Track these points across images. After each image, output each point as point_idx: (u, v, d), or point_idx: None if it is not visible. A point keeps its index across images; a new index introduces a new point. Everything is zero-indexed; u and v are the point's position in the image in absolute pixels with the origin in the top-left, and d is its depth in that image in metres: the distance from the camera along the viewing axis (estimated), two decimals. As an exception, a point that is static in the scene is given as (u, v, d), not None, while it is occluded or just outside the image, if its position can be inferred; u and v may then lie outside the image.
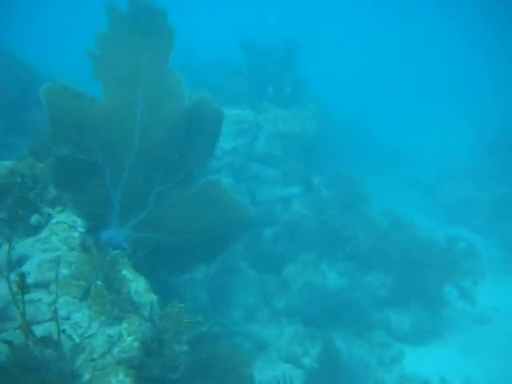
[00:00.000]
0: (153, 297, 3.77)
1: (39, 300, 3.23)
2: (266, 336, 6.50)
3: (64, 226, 3.78)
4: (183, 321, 3.38)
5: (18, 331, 2.64)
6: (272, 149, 10.12)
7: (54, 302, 3.09)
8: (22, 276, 2.49)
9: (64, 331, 2.99)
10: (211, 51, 14.26)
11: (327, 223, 7.65)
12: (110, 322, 3.22)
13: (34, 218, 3.74)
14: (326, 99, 14.45)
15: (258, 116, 10.64)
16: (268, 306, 7.09)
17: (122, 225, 4.16)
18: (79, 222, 3.91)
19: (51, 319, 2.99)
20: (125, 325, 3.25)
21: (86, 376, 2.85)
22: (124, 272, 3.76)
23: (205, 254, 4.71)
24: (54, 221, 3.84)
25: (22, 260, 3.48)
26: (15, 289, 2.58)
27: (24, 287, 2.48)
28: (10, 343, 2.49)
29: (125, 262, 3.87)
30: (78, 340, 3.00)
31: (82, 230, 3.85)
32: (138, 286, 3.76)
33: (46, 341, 2.73)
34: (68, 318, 3.20)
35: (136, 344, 3.13)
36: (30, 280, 3.31)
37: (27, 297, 2.74)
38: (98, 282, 3.28)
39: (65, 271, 3.46)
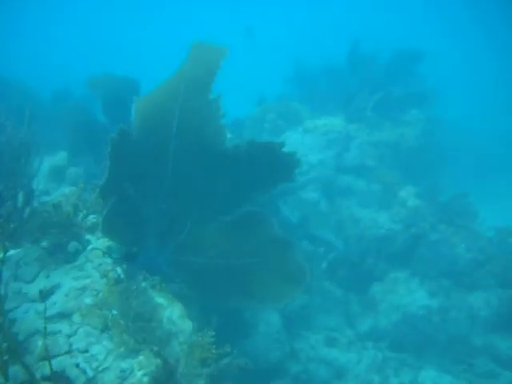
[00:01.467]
0: (188, 324, 3.75)
1: (59, 332, 3.24)
2: (345, 362, 6.14)
3: (98, 253, 3.95)
4: (210, 352, 3.29)
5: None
6: (364, 159, 9.71)
7: (73, 333, 3.17)
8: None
9: (78, 365, 3.01)
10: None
11: (418, 237, 7.06)
12: (126, 354, 3.20)
13: (72, 246, 3.93)
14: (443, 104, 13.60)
15: (351, 125, 10.32)
16: (352, 329, 6.72)
17: (160, 248, 4.27)
18: (114, 247, 4.06)
19: (67, 352, 3.06)
20: (141, 357, 3.20)
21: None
22: (158, 299, 3.81)
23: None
24: (90, 247, 4.03)
25: (54, 288, 3.66)
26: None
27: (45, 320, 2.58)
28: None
29: (161, 287, 3.93)
30: (91, 374, 3.00)
31: (116, 256, 4.00)
32: (172, 313, 3.77)
33: (57, 376, 2.81)
34: (85, 351, 3.17)
35: (146, 379, 3.06)
36: (54, 310, 3.40)
37: (49, 327, 2.88)
38: (114, 312, 3.32)
39: (88, 300, 3.47)
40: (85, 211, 4.25)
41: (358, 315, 6.79)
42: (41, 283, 3.66)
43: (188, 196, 4.23)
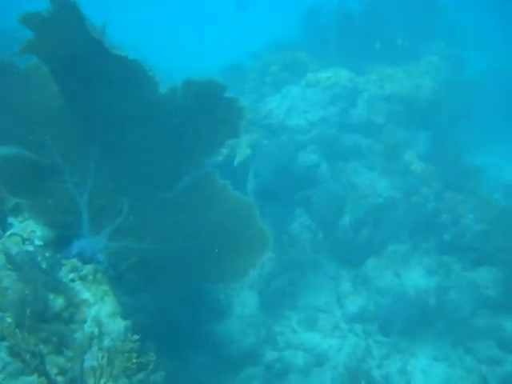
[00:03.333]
0: (118, 324, 3.39)
1: None
2: (326, 348, 5.75)
3: (17, 239, 3.57)
4: (130, 361, 2.91)
5: None
6: (373, 115, 9.00)
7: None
8: None
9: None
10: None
11: (419, 206, 6.48)
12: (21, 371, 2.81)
13: (-17, 232, 3.53)
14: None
15: (358, 78, 9.53)
16: (342, 309, 6.32)
17: (95, 234, 3.87)
18: (39, 233, 3.67)
19: None
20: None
21: None
22: (85, 293, 3.46)
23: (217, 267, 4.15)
24: (8, 233, 3.65)
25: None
26: None
27: None
28: None
29: (94, 279, 3.58)
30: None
31: (39, 242, 3.63)
32: (100, 310, 3.42)
33: None
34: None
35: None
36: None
37: None
38: (8, 320, 2.92)
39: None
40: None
41: (349, 294, 6.36)
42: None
43: (122, 168, 3.76)
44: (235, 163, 7.47)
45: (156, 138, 3.66)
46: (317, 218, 7.06)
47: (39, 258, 3.49)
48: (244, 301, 5.60)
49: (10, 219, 3.77)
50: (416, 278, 6.07)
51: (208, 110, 3.62)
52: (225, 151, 7.60)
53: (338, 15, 10.96)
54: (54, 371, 2.87)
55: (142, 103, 3.52)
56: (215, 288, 5.46)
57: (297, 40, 12.96)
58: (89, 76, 3.42)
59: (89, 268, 3.65)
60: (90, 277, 3.63)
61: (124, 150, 3.66)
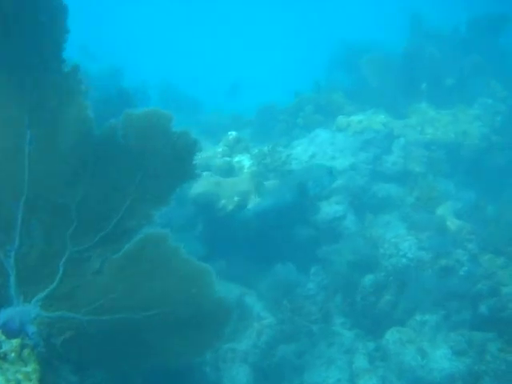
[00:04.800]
0: None
1: None
2: None
3: None
4: None
5: None
6: (409, 163, 8.43)
7: None
8: None
9: None
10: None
11: (450, 270, 5.80)
12: None
13: None
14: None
15: (395, 121, 9.04)
16: (353, 391, 5.65)
17: (25, 301, 3.50)
18: None
19: None
20: None
21: None
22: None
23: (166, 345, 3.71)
24: None
25: None
26: None
27: None
28: None
29: (19, 357, 3.20)
30: None
31: None
32: None
33: None
34: None
35: None
36: None
37: None
38: None
39: None
40: None
41: (364, 372, 5.67)
42: None
43: (54, 224, 3.43)
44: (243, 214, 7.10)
45: (93, 188, 3.33)
46: (335, 277, 6.47)
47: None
48: (235, 377, 5.07)
49: None
50: (441, 359, 5.31)
51: (154, 148, 3.27)
52: (235, 199, 7.30)
53: (379, 54, 10.53)
54: None
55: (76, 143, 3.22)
56: (201, 360, 4.99)
57: (338, 80, 12.68)
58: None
59: (13, 343, 3.25)
60: (13, 354, 3.22)
61: (52, 202, 3.34)
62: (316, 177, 7.15)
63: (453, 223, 6.47)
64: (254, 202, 7.26)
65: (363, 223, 7.81)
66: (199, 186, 7.40)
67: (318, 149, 8.84)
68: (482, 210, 6.61)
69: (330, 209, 7.85)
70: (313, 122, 10.25)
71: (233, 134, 8.06)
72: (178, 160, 3.35)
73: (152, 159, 3.33)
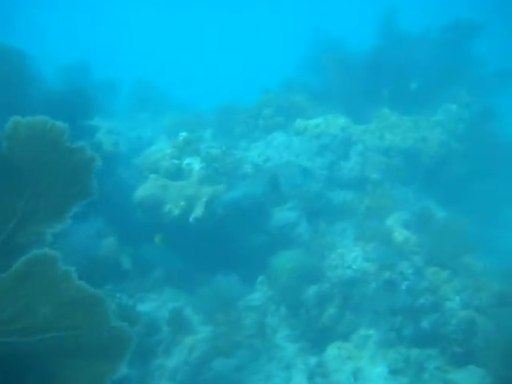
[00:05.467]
0: None
1: None
2: None
3: None
4: None
5: None
6: (367, 170, 8.32)
7: None
8: None
9: None
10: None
11: (393, 283, 5.70)
12: None
13: None
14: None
15: (355, 126, 8.93)
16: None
17: None
18: None
19: None
20: None
21: None
22: None
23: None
24: None
25: None
26: None
27: None
28: None
29: None
30: None
31: None
32: None
33: None
34: None
35: None
36: None
37: None
38: None
39: None
40: None
41: (301, 390, 5.54)
42: None
43: None
44: (191, 219, 6.92)
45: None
46: (280, 288, 6.34)
47: None
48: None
49: None
50: (378, 378, 5.20)
51: (45, 163, 3.07)
52: (182, 204, 7.11)
53: (343, 55, 10.41)
54: None
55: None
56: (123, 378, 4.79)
57: (306, 80, 12.52)
58: None
59: None
60: None
61: None
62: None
63: (401, 234, 6.39)
64: (203, 207, 7.08)
65: (317, 231, 7.69)
66: (144, 190, 7.22)
67: (275, 152, 8.70)
68: (431, 221, 6.50)
69: (282, 215, 7.73)
70: (274, 125, 10.11)
71: (183, 134, 7.86)
72: (73, 176, 3.15)
73: (43, 175, 3.12)
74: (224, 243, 7.20)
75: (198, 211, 6.95)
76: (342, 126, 8.63)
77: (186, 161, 7.71)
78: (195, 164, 7.66)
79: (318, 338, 6.15)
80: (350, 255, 6.13)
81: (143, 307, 6.49)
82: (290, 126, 9.70)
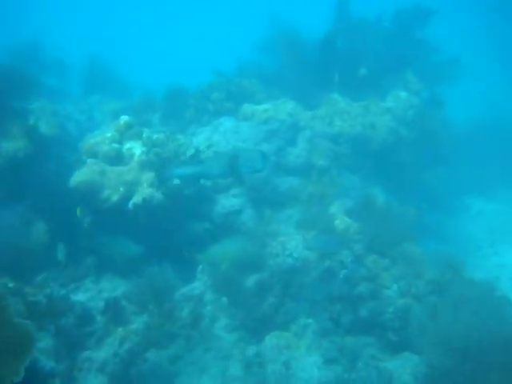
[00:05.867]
0: None
1: None
2: None
3: None
4: None
5: None
6: (314, 157, 8.27)
7: None
8: None
9: None
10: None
11: (332, 271, 5.67)
12: None
13: None
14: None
15: (303, 112, 8.85)
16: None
17: None
18: None
19: None
20: None
21: None
22: None
23: None
24: None
25: None
26: None
27: None
28: None
29: None
30: None
31: None
32: None
33: None
34: None
35: None
36: None
37: None
38: None
39: None
40: None
41: (236, 381, 5.47)
42: None
43: None
44: (130, 205, 6.72)
45: None
46: (220, 277, 6.24)
47: None
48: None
49: None
50: (311, 367, 5.18)
51: None
52: (121, 189, 6.91)
53: (291, 40, 10.29)
54: None
55: None
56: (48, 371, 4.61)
57: (259, 64, 12.34)
58: None
59: None
60: None
61: None
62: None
63: (343, 221, 6.37)
64: (143, 193, 6.88)
65: (262, 218, 7.61)
66: (80, 175, 6.96)
67: (221, 138, 8.56)
68: (373, 209, 6.50)
69: (226, 202, 7.61)
70: (223, 109, 9.94)
71: (124, 118, 7.60)
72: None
73: None
74: (165, 231, 7.04)
75: (138, 197, 6.74)
76: (289, 112, 8.55)
77: (127, 145, 7.48)
78: (136, 149, 7.43)
79: (257, 328, 6.09)
80: (291, 243, 6.08)
81: (78, 297, 6.31)
82: (240, 110, 9.55)
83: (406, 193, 9.48)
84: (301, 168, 8.18)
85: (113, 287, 6.55)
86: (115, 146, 7.34)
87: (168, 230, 7.07)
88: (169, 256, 6.87)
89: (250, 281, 6.04)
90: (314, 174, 8.05)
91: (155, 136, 7.43)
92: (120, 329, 5.24)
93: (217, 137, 8.48)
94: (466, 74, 13.45)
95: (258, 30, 14.30)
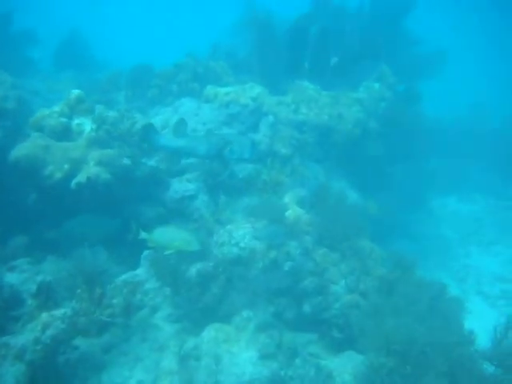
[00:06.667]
0: None
1: None
2: None
3: None
4: None
5: None
6: (276, 144, 8.05)
7: None
8: None
9: None
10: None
11: (278, 264, 5.48)
12: None
13: None
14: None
15: (269, 97, 8.62)
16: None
17: None
18: None
19: None
20: None
21: None
22: None
23: None
24: None
25: None
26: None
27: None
28: None
29: None
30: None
31: None
32: None
33: None
34: None
35: None
36: None
37: None
38: None
39: None
40: None
41: (168, 374, 5.26)
42: None
43: None
44: (73, 184, 6.44)
45: None
46: (162, 265, 6.00)
47: None
48: (2, 377, 4.48)
49: None
50: (244, 363, 4.98)
51: None
52: (65, 167, 6.62)
53: (264, 25, 10.02)
54: None
55: None
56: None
57: (234, 49, 12.11)
58: None
59: None
60: None
61: None
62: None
63: (294, 212, 6.17)
64: (89, 172, 6.60)
65: (217, 205, 7.40)
66: (22, 149, 6.65)
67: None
68: (327, 200, 6.30)
69: (180, 186, 7.38)
70: (188, 90, 9.69)
71: (75, 92, 7.30)
72: None
73: None
74: (110, 214, 6.79)
75: (83, 176, 6.46)
76: (253, 96, 8.31)
77: (77, 121, 7.19)
78: (87, 125, 7.15)
79: (199, 319, 5.88)
80: (239, 232, 5.86)
81: (11, 278, 6.05)
82: (203, 92, 9.32)
83: (374, 188, 9.36)
84: (262, 155, 7.94)
85: (52, 270, 6.28)
86: (63, 120, 7.05)
87: (115, 213, 6.80)
88: (116, 240, 6.66)
89: (193, 270, 5.80)
90: (276, 162, 7.81)
91: (110, 113, 7.16)
92: (44, 314, 4.96)
93: (176, 118, 8.20)
94: (452, 69, 13.41)
95: (233, 13, 14.10)
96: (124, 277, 6.23)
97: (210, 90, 8.49)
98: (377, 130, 9.10)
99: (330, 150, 8.53)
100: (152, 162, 7.34)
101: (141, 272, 6.36)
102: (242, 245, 5.77)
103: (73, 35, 15.80)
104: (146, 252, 6.46)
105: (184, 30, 28.99)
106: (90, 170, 6.53)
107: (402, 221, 12.19)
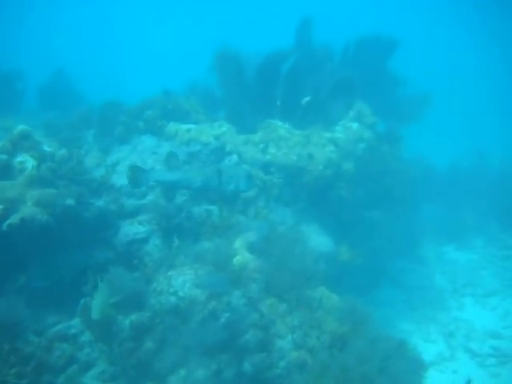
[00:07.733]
0: None
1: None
2: None
3: None
4: None
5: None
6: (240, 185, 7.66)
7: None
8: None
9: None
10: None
11: (215, 316, 5.02)
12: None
13: None
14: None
15: (235, 136, 8.33)
16: None
17: None
18: None
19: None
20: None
21: None
22: None
23: None
24: None
25: None
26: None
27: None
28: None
29: None
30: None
31: None
32: None
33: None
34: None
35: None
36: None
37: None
38: None
39: None
40: None
41: None
42: None
43: None
44: (4, 226, 6.06)
45: None
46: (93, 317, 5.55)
47: None
48: None
49: None
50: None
51: None
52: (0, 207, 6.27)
53: (236, 63, 9.84)
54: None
55: None
56: None
57: (210, 86, 11.94)
58: None
59: None
60: None
61: None
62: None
63: (243, 257, 5.75)
64: (24, 212, 6.24)
65: (170, 249, 6.99)
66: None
67: (139, 158, 8.00)
68: (277, 245, 5.88)
69: (130, 229, 7.00)
70: (156, 128, 9.43)
71: (19, 127, 7.02)
72: None
73: None
74: (49, 258, 6.40)
75: (16, 217, 6.09)
76: (216, 134, 8.01)
77: (20, 158, 6.88)
78: (29, 162, 6.84)
79: (135, 377, 5.38)
80: (178, 280, 5.42)
81: None
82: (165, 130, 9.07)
83: (351, 233, 8.95)
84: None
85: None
86: (3, 157, 6.73)
87: (53, 258, 6.40)
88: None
89: (126, 322, 5.34)
90: (239, 204, 7.45)
91: (52, 151, 6.88)
92: None
93: (133, 157, 7.92)
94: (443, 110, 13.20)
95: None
96: (58, 328, 5.77)
97: (171, 127, 8.23)
98: (352, 171, 8.72)
99: (300, 192, 8.15)
100: (101, 203, 6.98)
101: (76, 323, 5.90)
102: (180, 294, 5.34)
103: (58, 74, 15.76)
104: (83, 300, 6.02)
105: (176, 62, 29.38)
106: (26, 211, 6.15)
107: (390, 269, 11.72)
